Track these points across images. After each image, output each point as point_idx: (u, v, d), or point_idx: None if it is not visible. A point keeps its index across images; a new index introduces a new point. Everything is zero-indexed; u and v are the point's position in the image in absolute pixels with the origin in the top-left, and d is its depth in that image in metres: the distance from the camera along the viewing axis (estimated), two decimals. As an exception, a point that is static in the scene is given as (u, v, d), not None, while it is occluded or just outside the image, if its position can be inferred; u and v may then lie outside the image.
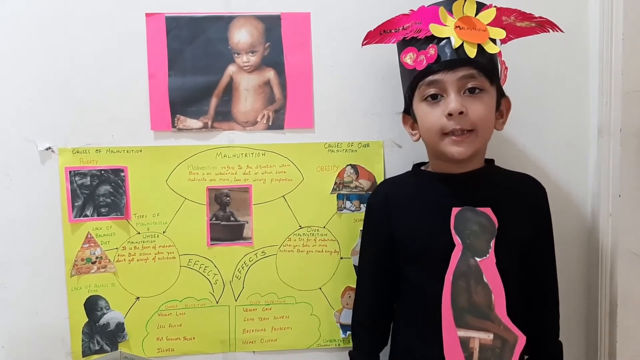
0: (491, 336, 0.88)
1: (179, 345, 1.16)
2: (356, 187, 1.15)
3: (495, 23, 0.91)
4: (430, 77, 0.89)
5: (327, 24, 1.13)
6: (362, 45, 1.00)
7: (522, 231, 0.94)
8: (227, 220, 1.15)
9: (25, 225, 1.12)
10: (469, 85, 0.88)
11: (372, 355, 1.05)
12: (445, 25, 0.89)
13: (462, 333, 0.89)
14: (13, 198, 1.12)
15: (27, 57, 1.10)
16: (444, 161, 0.95)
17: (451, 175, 0.96)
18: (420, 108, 0.93)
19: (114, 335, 1.14)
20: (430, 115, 0.91)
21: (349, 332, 1.16)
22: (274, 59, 1.12)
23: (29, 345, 1.14)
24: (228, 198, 1.14)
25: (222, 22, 1.12)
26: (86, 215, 1.12)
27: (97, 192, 1.12)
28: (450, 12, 0.90)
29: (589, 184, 1.16)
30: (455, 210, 0.91)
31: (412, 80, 0.92)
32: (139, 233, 1.14)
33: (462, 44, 0.88)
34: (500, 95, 0.95)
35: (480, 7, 0.92)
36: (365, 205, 1.14)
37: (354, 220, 1.15)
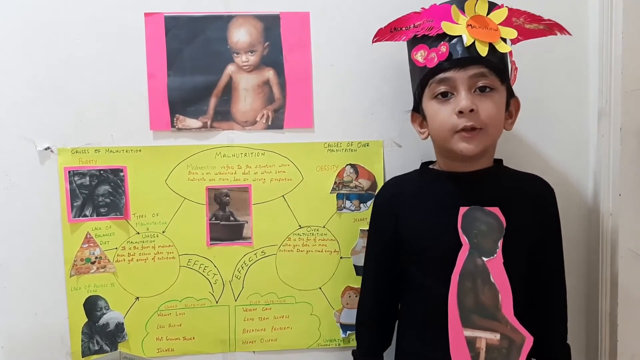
0: (498, 336, 0.88)
1: (178, 345, 1.16)
2: (356, 186, 1.15)
3: (506, 23, 0.90)
4: (441, 75, 0.89)
5: (326, 23, 1.12)
6: (373, 42, 0.99)
7: (530, 232, 0.94)
8: (226, 220, 1.14)
9: (25, 226, 1.12)
10: (480, 84, 0.88)
11: (375, 355, 1.05)
12: (457, 24, 0.89)
13: (469, 333, 0.88)
14: (12, 198, 1.11)
15: (26, 57, 1.10)
16: (453, 159, 0.95)
17: (459, 173, 0.95)
18: (431, 106, 0.92)
19: (114, 335, 1.14)
20: (441, 113, 0.90)
21: (349, 332, 1.16)
22: (273, 59, 1.12)
23: (29, 346, 1.13)
24: (227, 198, 1.14)
25: (221, 22, 1.11)
26: (85, 215, 1.12)
27: (97, 192, 1.12)
28: (462, 10, 0.89)
29: (589, 183, 1.15)
30: (463, 210, 0.90)
31: (422, 78, 0.92)
32: (139, 233, 1.14)
33: (474, 42, 0.87)
34: (510, 95, 0.95)
35: (492, 6, 0.91)
36: (364, 205, 1.14)
37: (354, 219, 1.15)
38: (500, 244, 0.89)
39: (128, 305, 1.14)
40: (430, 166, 1.03)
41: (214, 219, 1.14)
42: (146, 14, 1.10)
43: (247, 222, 1.15)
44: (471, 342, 0.88)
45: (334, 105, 1.14)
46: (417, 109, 0.98)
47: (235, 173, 1.14)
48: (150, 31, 1.11)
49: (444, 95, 0.90)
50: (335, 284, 1.16)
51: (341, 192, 1.15)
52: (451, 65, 0.88)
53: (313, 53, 1.13)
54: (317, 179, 1.14)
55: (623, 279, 1.05)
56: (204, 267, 1.15)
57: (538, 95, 1.14)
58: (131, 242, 1.14)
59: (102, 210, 1.13)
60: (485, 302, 0.88)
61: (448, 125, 0.90)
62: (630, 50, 1.03)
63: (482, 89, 0.88)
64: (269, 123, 1.14)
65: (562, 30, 0.95)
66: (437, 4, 0.93)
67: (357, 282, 1.14)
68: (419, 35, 0.92)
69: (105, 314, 1.14)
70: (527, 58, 1.11)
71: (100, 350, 1.14)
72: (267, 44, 1.12)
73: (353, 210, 1.15)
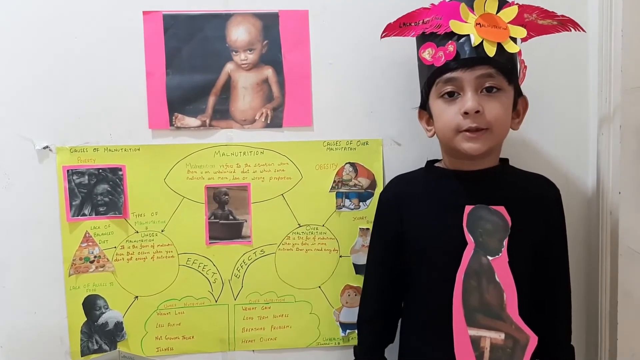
0: (502, 336, 0.87)
1: (178, 344, 1.16)
2: (355, 185, 1.15)
3: (516, 21, 0.89)
4: (448, 75, 0.89)
5: (325, 21, 1.12)
6: (381, 37, 0.98)
7: (535, 232, 0.94)
8: (225, 218, 1.14)
9: (23, 225, 1.12)
10: (487, 85, 0.88)
11: (377, 352, 1.05)
12: (466, 22, 0.88)
13: (473, 332, 0.88)
14: (10, 197, 1.11)
15: (24, 55, 1.09)
16: (458, 158, 0.95)
17: (465, 172, 0.95)
18: (437, 105, 0.92)
19: (113, 334, 1.14)
20: (447, 112, 0.90)
21: (348, 331, 1.16)
22: (272, 57, 1.12)
23: (28, 345, 1.13)
24: (227, 196, 1.14)
25: (220, 20, 1.11)
26: (84, 214, 1.12)
27: (95, 191, 1.12)
28: (472, 8, 0.88)
29: (589, 181, 1.15)
30: (468, 208, 0.90)
31: (429, 77, 0.92)
32: (137, 232, 1.13)
33: (482, 42, 0.86)
34: (518, 94, 0.94)
35: (502, 3, 0.90)
36: (363, 203, 1.14)
37: (353, 218, 1.15)
38: (505, 243, 0.89)
39: (127, 305, 1.14)
40: (436, 164, 1.03)
41: (213, 217, 1.14)
42: (145, 13, 1.10)
43: (246, 221, 1.14)
44: (475, 342, 0.88)
45: (333, 103, 1.14)
46: (424, 107, 0.98)
47: (234, 172, 1.14)
48: (149, 29, 1.10)
49: (451, 94, 0.89)
50: (334, 282, 1.16)
51: (340, 190, 1.15)
52: (458, 65, 0.87)
53: (312, 51, 1.12)
54: (316, 177, 1.14)
55: (623, 277, 1.05)
56: (203, 266, 1.14)
57: (537, 94, 1.13)
58: (130, 241, 1.13)
59: (101, 209, 1.12)
60: (490, 301, 0.88)
61: (453, 125, 0.89)
62: (630, 48, 1.02)
63: (489, 90, 0.88)
64: (268, 121, 1.13)
65: (575, 26, 0.94)
66: (447, 0, 0.91)
67: (356, 281, 1.14)
68: (427, 32, 0.91)
69: (104, 313, 1.14)
70: (526, 57, 1.10)
71: (100, 350, 1.14)
72: (266, 42, 1.12)
73: (352, 209, 1.15)
